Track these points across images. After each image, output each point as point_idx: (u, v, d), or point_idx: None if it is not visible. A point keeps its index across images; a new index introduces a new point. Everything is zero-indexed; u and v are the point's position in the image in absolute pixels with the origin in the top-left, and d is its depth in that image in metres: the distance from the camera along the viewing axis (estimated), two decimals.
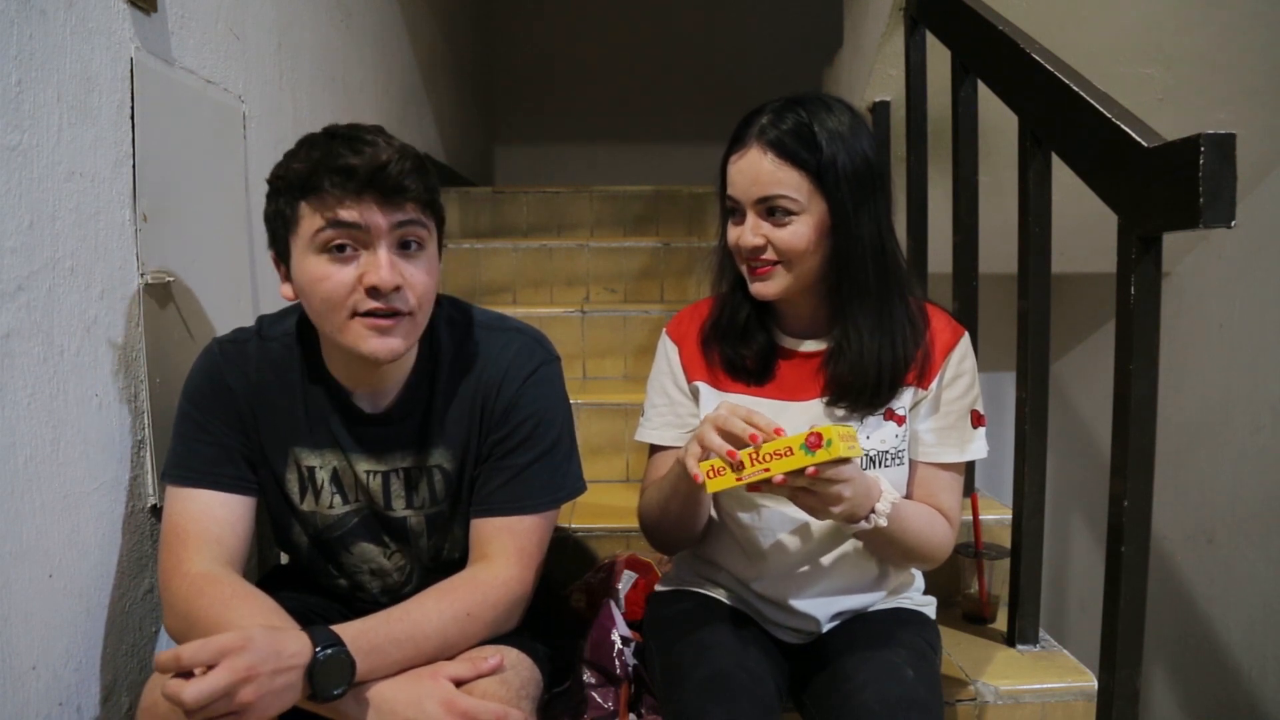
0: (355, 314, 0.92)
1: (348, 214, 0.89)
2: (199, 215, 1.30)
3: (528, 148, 4.39)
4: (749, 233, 1.04)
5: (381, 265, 0.91)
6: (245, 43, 1.47)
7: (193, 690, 0.74)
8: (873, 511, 0.96)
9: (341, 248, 0.91)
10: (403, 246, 0.94)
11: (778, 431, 0.89)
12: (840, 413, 1.08)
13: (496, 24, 4.32)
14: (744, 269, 1.09)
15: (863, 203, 1.03)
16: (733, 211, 1.08)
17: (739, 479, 0.88)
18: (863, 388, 1.06)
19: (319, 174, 0.89)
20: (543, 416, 1.05)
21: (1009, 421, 1.36)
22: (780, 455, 0.87)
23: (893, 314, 1.06)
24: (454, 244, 2.50)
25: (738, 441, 0.89)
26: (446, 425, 1.06)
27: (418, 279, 0.94)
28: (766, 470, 0.87)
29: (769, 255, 1.04)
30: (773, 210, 1.03)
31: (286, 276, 0.98)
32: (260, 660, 0.78)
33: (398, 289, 0.92)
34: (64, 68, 0.99)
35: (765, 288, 1.06)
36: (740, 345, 1.13)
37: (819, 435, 0.85)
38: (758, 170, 1.02)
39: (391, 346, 0.94)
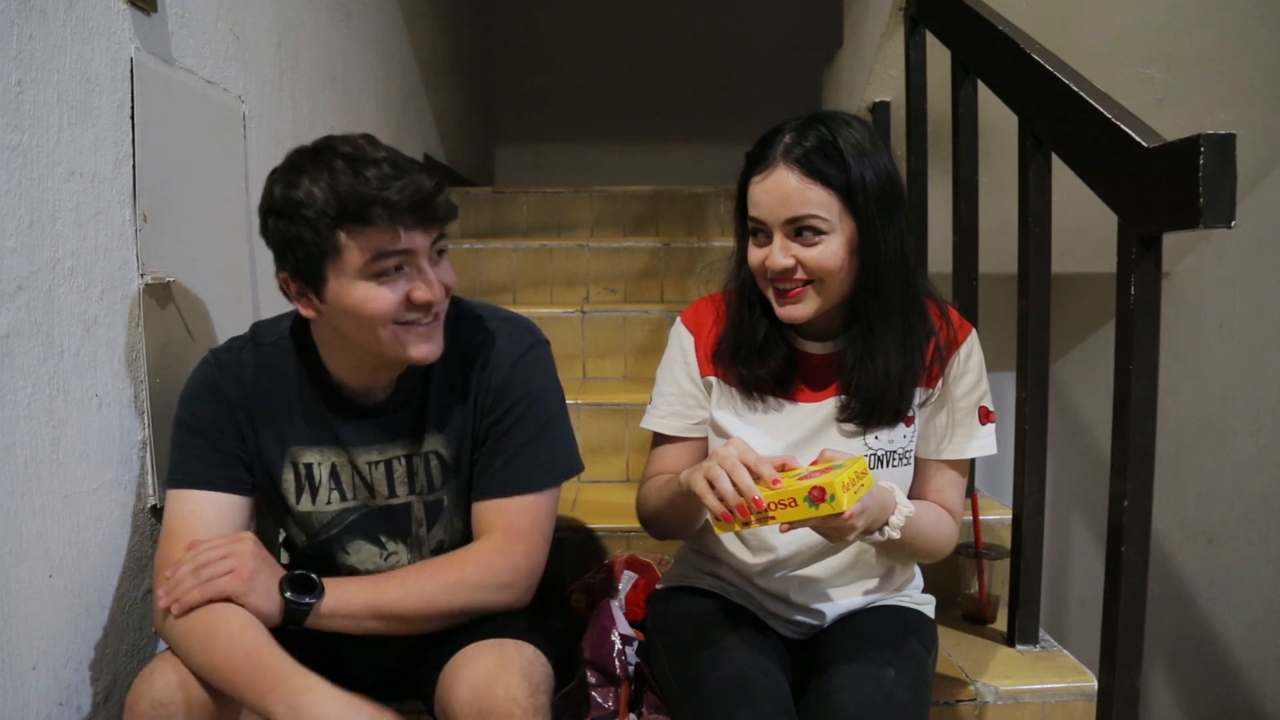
0: (397, 323, 0.97)
1: (401, 244, 0.94)
2: (199, 215, 1.30)
3: (528, 148, 4.38)
4: (778, 254, 1.01)
5: (431, 283, 0.97)
6: (245, 43, 1.47)
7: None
8: (886, 524, 0.96)
9: (393, 270, 0.95)
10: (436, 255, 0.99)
11: (784, 467, 0.90)
12: (850, 427, 1.08)
13: (496, 24, 4.32)
14: (769, 292, 1.06)
15: (889, 220, 1.01)
16: (755, 233, 1.05)
17: (744, 525, 0.89)
18: (884, 407, 1.06)
19: (367, 207, 0.91)
20: (536, 396, 1.07)
21: (1009, 421, 1.36)
22: (785, 505, 0.86)
23: (914, 329, 1.06)
24: (454, 244, 2.49)
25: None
26: (442, 412, 1.08)
27: (448, 280, 1.00)
28: (771, 519, 0.88)
29: (800, 275, 1.02)
30: (801, 230, 1.00)
31: (305, 296, 0.98)
32: (257, 549, 0.95)
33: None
34: (64, 68, 0.99)
35: (795, 311, 1.03)
36: (757, 366, 1.10)
37: (821, 490, 0.85)
38: (785, 190, 1.00)
39: (433, 348, 1.00)
